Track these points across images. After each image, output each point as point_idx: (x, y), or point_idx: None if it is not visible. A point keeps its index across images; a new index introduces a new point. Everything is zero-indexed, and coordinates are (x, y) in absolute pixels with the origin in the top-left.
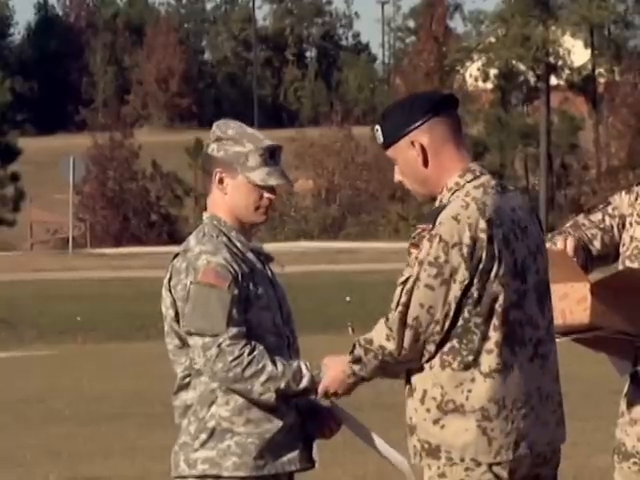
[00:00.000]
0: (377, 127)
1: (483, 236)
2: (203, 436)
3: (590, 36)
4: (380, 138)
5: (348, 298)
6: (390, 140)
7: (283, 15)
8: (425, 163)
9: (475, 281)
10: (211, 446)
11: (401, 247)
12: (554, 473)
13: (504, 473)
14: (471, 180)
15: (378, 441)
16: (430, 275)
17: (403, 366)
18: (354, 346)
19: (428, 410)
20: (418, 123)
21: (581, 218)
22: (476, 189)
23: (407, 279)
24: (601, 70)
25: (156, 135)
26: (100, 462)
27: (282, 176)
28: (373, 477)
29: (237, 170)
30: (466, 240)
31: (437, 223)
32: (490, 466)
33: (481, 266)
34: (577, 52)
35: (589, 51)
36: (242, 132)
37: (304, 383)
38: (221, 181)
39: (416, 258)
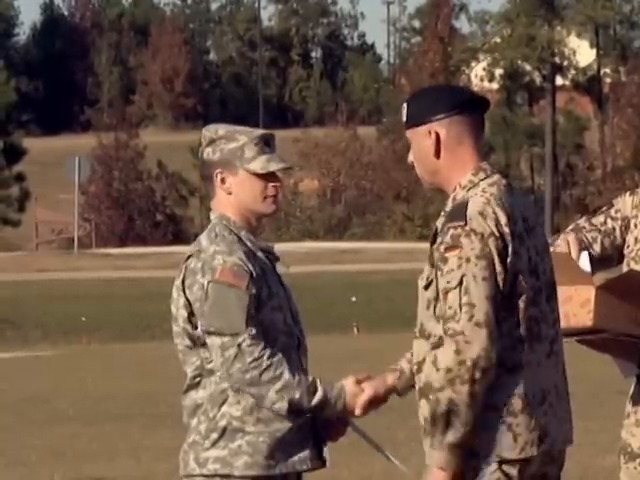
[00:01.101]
0: (404, 105)
1: (507, 230)
2: (214, 435)
3: (595, 36)
4: (404, 116)
5: (354, 298)
6: (411, 122)
7: (288, 15)
8: (437, 154)
9: (504, 275)
10: (222, 445)
11: (406, 247)
12: (559, 473)
13: (514, 471)
14: (484, 178)
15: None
16: (483, 267)
17: (490, 380)
18: (433, 408)
19: None
20: (440, 116)
21: (582, 221)
22: (491, 186)
23: (460, 282)
24: (606, 70)
25: (161, 135)
26: (105, 462)
27: (282, 161)
28: (379, 477)
29: (237, 165)
30: (496, 233)
31: (468, 219)
32: (500, 464)
33: (508, 260)
34: (582, 52)
35: (594, 51)
36: (232, 129)
37: (317, 398)
38: (223, 181)
39: (459, 258)
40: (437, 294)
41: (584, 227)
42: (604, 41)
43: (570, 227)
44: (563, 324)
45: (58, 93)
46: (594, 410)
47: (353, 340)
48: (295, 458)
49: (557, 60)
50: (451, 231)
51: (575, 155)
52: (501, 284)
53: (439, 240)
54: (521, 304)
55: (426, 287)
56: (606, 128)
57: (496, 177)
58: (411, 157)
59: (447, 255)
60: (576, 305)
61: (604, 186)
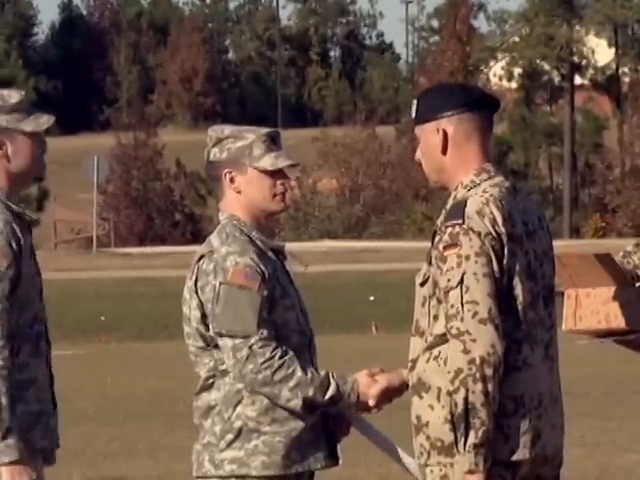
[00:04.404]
0: (415, 101)
1: (503, 231)
2: (229, 436)
3: (614, 35)
4: (413, 113)
5: (372, 297)
6: (420, 119)
7: (307, 15)
8: (444, 151)
9: (500, 276)
10: (238, 446)
11: (425, 247)
12: (557, 472)
13: (507, 473)
14: (487, 179)
15: (389, 443)
16: (483, 264)
17: (500, 376)
18: (457, 419)
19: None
20: (449, 113)
21: (630, 245)
22: (492, 187)
23: (461, 281)
24: (625, 69)
25: (180, 134)
26: (124, 461)
27: (289, 157)
28: (396, 477)
29: (245, 164)
30: (493, 233)
31: (466, 218)
32: (494, 466)
33: (504, 261)
34: (601, 51)
35: (613, 50)
36: (238, 128)
37: (330, 392)
38: (232, 180)
39: (459, 256)
40: (433, 291)
41: (630, 251)
42: (622, 40)
43: (620, 254)
44: (603, 325)
45: (77, 92)
46: (612, 409)
47: (371, 339)
48: (310, 457)
49: (576, 59)
50: (449, 230)
51: (594, 154)
52: (498, 284)
53: (437, 239)
54: (518, 307)
55: (422, 284)
56: (625, 127)
57: (499, 179)
58: (418, 154)
59: (446, 254)
60: (617, 306)
61: (623, 185)
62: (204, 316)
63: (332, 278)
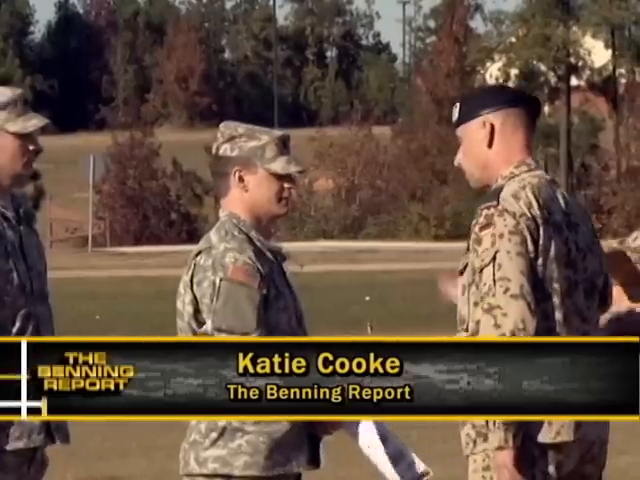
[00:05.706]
0: (457, 104)
1: (539, 214)
2: (214, 435)
3: (611, 37)
4: (455, 115)
5: (368, 298)
6: (464, 118)
7: (304, 14)
8: (490, 144)
9: (535, 256)
10: (222, 445)
11: (421, 247)
12: (600, 473)
13: (551, 468)
14: (526, 171)
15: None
16: (517, 243)
17: None
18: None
19: None
20: (496, 107)
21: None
22: (532, 177)
23: (494, 258)
24: (622, 71)
25: (176, 134)
26: (118, 461)
27: (299, 163)
28: None
29: (257, 164)
30: (527, 214)
31: (501, 200)
32: (538, 458)
33: (540, 242)
34: (598, 53)
35: (610, 52)
36: (251, 127)
37: None
38: (241, 179)
39: (493, 235)
40: (472, 279)
41: (635, 248)
42: (619, 42)
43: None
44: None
45: (73, 91)
46: None
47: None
48: (292, 460)
49: (572, 60)
50: (485, 211)
51: (590, 155)
52: (533, 264)
53: (473, 222)
54: (555, 292)
55: (461, 272)
56: (621, 128)
57: (539, 172)
58: (459, 158)
59: (481, 235)
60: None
61: (619, 186)
62: (197, 312)
63: (328, 278)
